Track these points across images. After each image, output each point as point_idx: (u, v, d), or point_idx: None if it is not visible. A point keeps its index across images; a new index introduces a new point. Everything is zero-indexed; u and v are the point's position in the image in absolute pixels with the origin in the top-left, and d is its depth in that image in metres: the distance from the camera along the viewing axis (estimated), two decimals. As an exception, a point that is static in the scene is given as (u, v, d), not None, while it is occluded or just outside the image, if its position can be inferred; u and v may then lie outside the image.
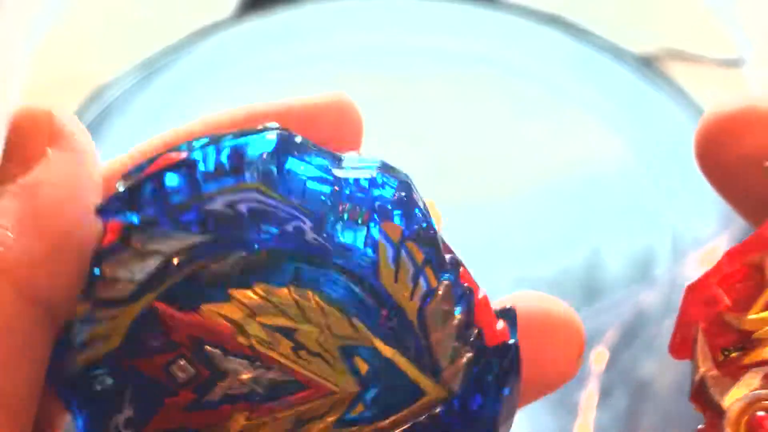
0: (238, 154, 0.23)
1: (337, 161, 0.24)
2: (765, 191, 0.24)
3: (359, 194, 0.23)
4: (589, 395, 0.45)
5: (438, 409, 0.23)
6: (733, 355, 0.23)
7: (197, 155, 0.23)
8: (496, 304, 0.24)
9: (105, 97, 0.57)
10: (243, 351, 0.22)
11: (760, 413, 0.22)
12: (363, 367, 0.23)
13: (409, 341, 0.23)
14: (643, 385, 0.45)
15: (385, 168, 0.24)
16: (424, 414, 0.23)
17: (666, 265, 0.50)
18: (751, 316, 0.23)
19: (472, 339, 0.23)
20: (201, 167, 0.23)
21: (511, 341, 0.23)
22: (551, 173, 0.54)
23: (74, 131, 0.25)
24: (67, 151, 0.25)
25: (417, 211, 0.23)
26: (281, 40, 0.59)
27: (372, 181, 0.23)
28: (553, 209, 0.51)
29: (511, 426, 0.24)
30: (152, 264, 0.22)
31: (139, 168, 0.23)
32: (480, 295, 0.23)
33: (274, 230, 0.23)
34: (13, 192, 0.23)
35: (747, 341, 0.23)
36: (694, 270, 0.47)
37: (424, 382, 0.23)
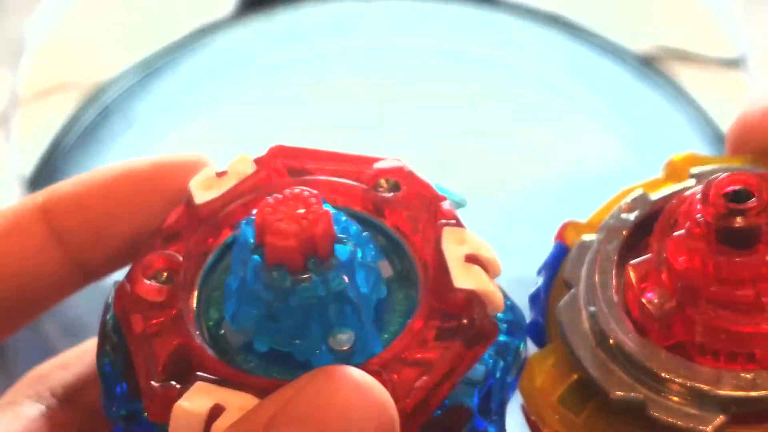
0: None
1: None
2: None
3: None
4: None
5: None
6: None
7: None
8: None
9: (104, 97, 0.57)
10: None
11: None
12: None
13: None
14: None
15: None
16: None
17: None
18: None
19: None
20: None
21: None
22: (550, 173, 0.54)
23: None
24: None
25: None
26: (280, 41, 0.59)
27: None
28: (552, 209, 0.51)
29: None
30: None
31: None
32: None
33: None
34: None
35: None
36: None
37: None
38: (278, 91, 0.58)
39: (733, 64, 0.57)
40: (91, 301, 0.50)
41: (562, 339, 0.25)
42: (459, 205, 0.28)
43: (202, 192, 0.26)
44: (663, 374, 0.23)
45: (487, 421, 0.25)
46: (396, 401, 0.23)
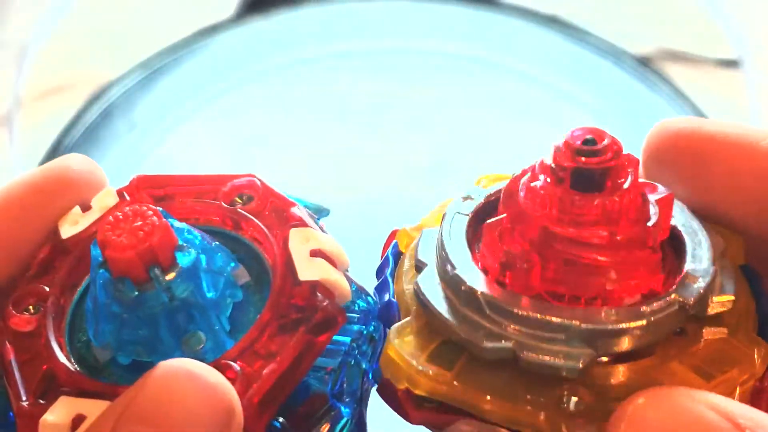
0: None
1: None
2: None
3: None
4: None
5: None
6: None
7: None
8: None
9: (106, 97, 0.57)
10: None
11: None
12: None
13: None
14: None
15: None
16: None
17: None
18: None
19: None
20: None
21: None
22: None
23: None
24: None
25: None
26: (281, 42, 0.59)
27: None
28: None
29: None
30: None
31: None
32: None
33: None
34: None
35: None
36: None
37: None
38: (279, 91, 0.58)
39: (731, 64, 0.57)
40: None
41: (423, 309, 0.26)
42: (321, 211, 0.29)
43: (69, 227, 0.28)
44: (530, 314, 0.24)
45: (342, 404, 0.26)
46: (247, 390, 0.24)
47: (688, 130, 0.29)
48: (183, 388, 0.23)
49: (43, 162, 0.55)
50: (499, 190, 0.27)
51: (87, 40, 0.61)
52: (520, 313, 0.25)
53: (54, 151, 0.55)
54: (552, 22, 0.60)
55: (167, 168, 0.55)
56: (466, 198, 0.28)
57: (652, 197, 0.26)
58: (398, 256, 0.28)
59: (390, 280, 0.28)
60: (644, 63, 0.59)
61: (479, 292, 0.25)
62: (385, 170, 0.54)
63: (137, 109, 0.57)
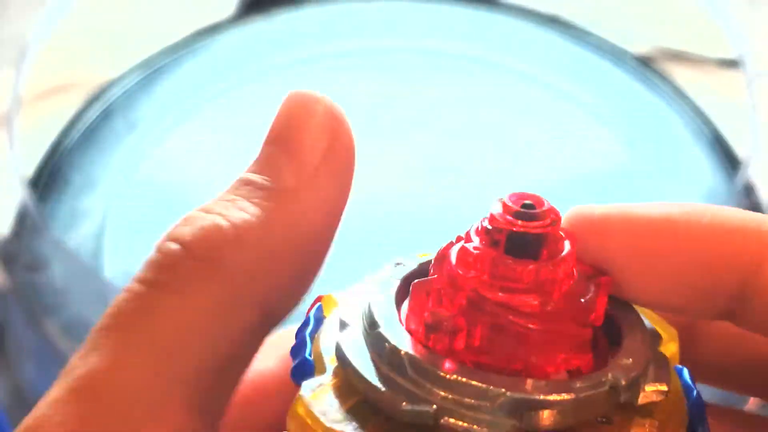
0: None
1: None
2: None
3: None
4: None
5: None
6: None
7: None
8: None
9: (106, 98, 0.57)
10: None
11: None
12: None
13: None
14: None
15: None
16: None
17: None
18: None
19: None
20: None
21: None
22: (549, 175, 0.54)
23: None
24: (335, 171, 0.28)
25: None
26: (281, 42, 0.59)
27: None
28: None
29: None
30: None
31: None
32: None
33: None
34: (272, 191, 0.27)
35: None
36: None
37: None
38: (280, 92, 0.58)
39: (732, 64, 0.57)
40: (92, 300, 0.50)
41: (342, 367, 0.24)
42: None
43: None
44: (456, 378, 0.23)
45: None
46: None
47: (604, 218, 0.26)
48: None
49: (43, 163, 0.55)
50: (425, 263, 0.26)
51: (87, 40, 0.61)
52: (444, 376, 0.23)
53: (53, 152, 0.56)
54: (552, 22, 0.60)
55: (167, 168, 0.55)
56: (398, 264, 0.27)
57: (590, 278, 0.25)
58: (321, 319, 0.27)
59: (308, 339, 0.26)
60: (644, 63, 0.59)
61: (403, 352, 0.24)
62: (385, 170, 0.54)
63: (137, 110, 0.57)
